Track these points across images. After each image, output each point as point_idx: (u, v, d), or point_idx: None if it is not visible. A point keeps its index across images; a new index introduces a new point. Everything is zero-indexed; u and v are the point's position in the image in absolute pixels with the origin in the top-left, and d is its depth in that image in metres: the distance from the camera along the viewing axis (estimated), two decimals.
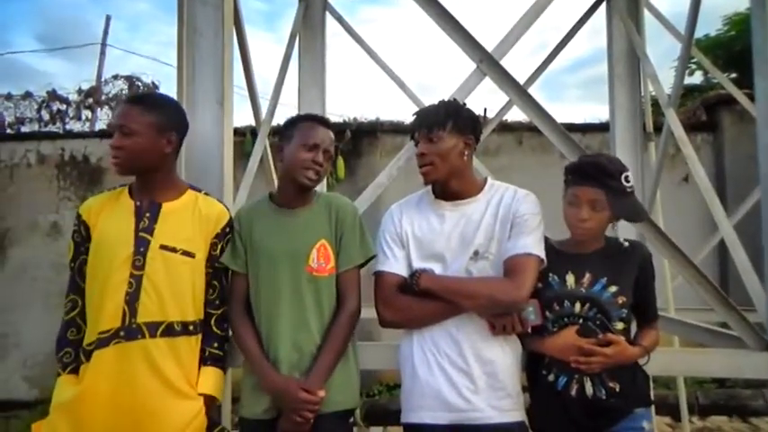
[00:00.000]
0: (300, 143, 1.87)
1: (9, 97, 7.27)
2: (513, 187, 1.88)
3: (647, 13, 3.76)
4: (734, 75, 7.94)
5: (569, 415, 1.79)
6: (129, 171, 1.82)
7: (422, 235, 1.85)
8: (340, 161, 5.83)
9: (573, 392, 1.79)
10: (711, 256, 4.85)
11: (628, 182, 1.81)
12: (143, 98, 1.95)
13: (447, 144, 1.79)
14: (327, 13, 4.03)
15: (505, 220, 1.79)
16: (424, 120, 1.85)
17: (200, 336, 1.84)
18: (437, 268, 1.81)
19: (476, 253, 1.77)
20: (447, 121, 1.80)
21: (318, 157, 1.87)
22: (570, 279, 1.83)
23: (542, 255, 1.77)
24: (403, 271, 1.85)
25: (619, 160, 1.92)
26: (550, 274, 1.85)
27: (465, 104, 1.93)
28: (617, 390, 1.77)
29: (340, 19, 4.01)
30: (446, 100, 1.92)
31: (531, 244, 1.74)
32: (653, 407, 1.95)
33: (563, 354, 1.78)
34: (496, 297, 1.71)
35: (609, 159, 1.89)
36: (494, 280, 1.75)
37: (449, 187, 1.86)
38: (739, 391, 5.35)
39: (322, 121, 1.96)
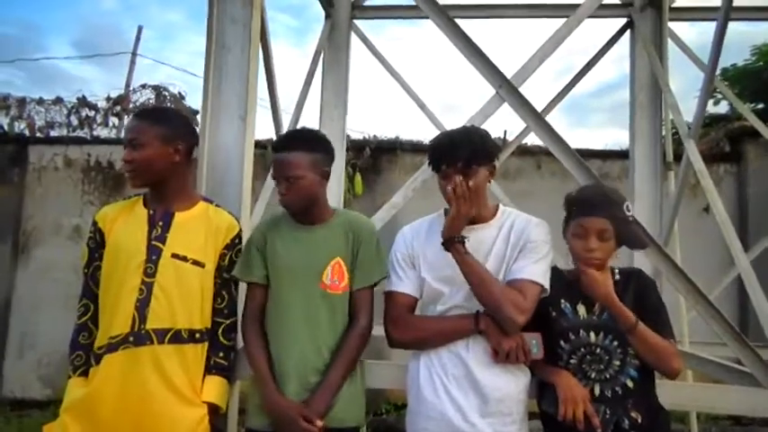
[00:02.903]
0: None
1: (41, 102, 7.43)
2: (524, 214, 1.89)
3: (672, 42, 3.76)
4: (760, 105, 7.86)
5: None
6: (142, 182, 1.88)
7: (433, 258, 1.85)
8: (357, 177, 5.87)
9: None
10: (732, 289, 4.75)
11: (629, 211, 1.83)
12: (148, 112, 2.03)
13: (479, 178, 1.77)
14: (352, 31, 4.11)
15: (516, 245, 1.79)
16: (456, 154, 1.77)
17: (206, 344, 1.87)
18: (447, 290, 1.81)
19: None
20: (476, 155, 1.76)
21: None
22: (581, 309, 1.83)
23: (546, 285, 1.76)
24: (413, 291, 1.86)
25: (617, 190, 1.94)
26: (562, 301, 1.84)
27: (487, 133, 1.87)
28: (639, 421, 1.76)
29: (364, 39, 4.08)
30: (470, 133, 1.84)
31: (538, 272, 1.74)
32: None
33: (566, 390, 1.74)
34: (505, 300, 1.68)
35: (611, 189, 1.92)
36: (510, 291, 1.72)
37: None
38: (756, 429, 5.20)
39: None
